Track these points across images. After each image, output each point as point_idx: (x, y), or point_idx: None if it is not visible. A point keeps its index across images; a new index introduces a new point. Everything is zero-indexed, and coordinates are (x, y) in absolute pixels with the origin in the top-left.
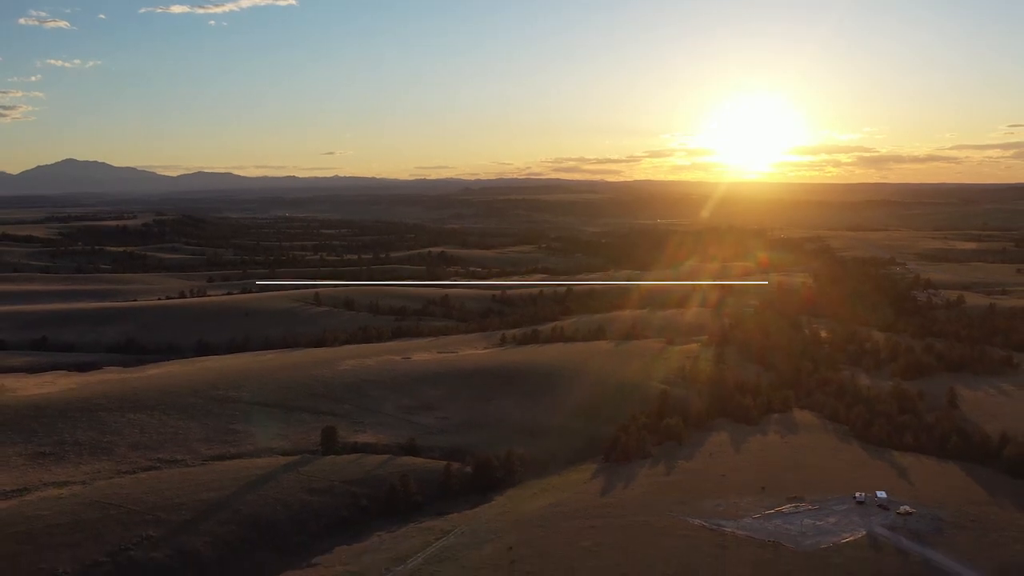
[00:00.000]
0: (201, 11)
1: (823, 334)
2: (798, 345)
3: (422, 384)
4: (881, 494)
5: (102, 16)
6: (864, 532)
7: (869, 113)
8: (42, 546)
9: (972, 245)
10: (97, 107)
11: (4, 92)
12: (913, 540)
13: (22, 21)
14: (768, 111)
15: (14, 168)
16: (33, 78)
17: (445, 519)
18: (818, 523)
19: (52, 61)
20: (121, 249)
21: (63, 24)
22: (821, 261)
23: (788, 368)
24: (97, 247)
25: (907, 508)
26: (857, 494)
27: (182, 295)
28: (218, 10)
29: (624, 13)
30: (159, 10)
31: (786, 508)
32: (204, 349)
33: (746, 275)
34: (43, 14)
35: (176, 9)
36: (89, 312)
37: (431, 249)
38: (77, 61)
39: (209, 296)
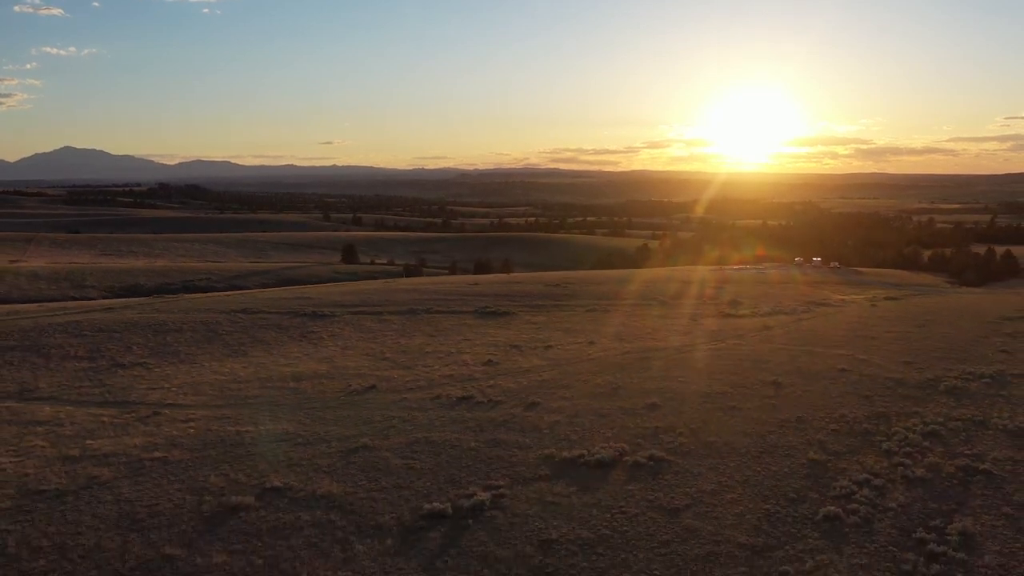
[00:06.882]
0: None
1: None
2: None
3: (428, 242)
4: (816, 259)
5: (96, 4)
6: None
7: (866, 105)
8: (114, 276)
9: (956, 206)
10: (94, 95)
11: (0, 80)
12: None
13: (16, 9)
14: (766, 102)
15: (12, 156)
16: (29, 66)
17: None
18: (759, 270)
19: (48, 49)
20: (130, 200)
21: (57, 12)
22: (808, 214)
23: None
24: (107, 198)
25: (836, 264)
26: (796, 259)
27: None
28: None
29: (622, 5)
30: None
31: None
32: None
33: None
34: (37, 1)
35: None
36: (113, 219)
37: (432, 206)
38: (72, 49)
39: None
